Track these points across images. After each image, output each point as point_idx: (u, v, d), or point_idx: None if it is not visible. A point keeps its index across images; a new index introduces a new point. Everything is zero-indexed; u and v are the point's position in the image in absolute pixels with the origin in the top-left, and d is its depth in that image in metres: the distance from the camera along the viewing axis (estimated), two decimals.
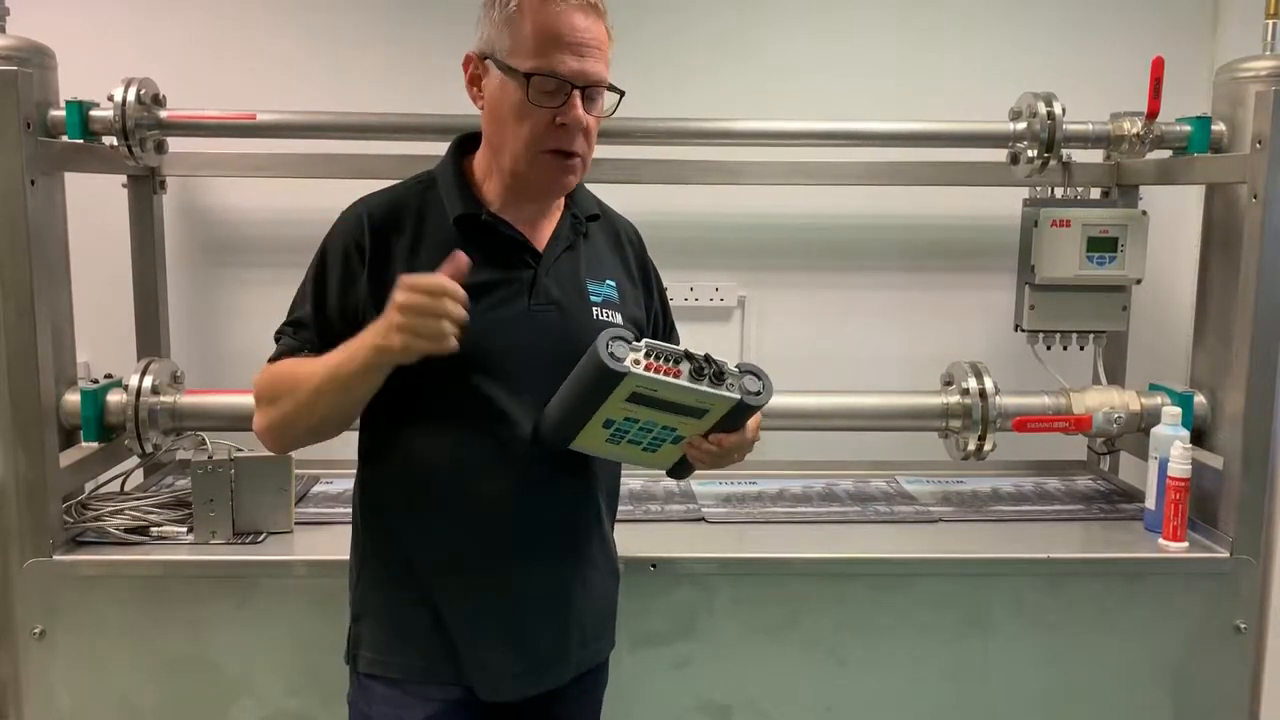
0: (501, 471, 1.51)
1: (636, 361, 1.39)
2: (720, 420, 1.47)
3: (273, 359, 1.54)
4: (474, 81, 1.55)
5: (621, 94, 1.54)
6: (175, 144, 2.37)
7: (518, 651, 1.55)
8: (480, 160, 1.59)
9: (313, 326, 1.54)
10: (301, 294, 1.57)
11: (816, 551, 2.09)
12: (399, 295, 1.37)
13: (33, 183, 1.93)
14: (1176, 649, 2.08)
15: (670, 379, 1.40)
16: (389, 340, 1.38)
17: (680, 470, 1.59)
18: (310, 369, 1.47)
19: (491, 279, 1.51)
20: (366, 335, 1.42)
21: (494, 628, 1.54)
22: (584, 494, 1.60)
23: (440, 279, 1.37)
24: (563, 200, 1.64)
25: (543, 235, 1.58)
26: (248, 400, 2.16)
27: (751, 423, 1.52)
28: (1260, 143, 2.00)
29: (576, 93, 1.48)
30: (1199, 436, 2.23)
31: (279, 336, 1.57)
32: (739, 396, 1.42)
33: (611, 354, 1.37)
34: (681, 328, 1.82)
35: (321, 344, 1.51)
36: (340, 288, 1.52)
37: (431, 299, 1.36)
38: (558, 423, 1.47)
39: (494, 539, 1.53)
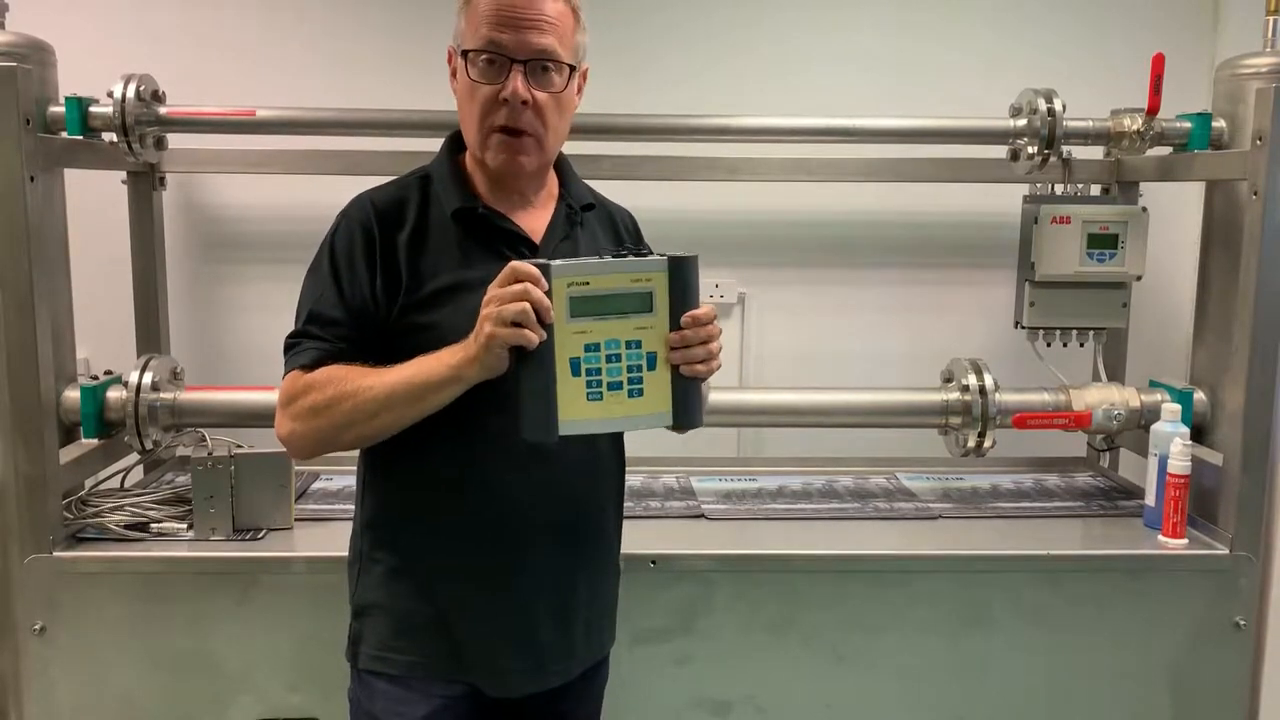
0: (505, 468, 1.50)
1: (557, 264, 1.39)
2: (671, 303, 1.43)
3: (307, 366, 1.49)
4: (454, 75, 1.57)
5: (573, 68, 1.53)
6: (175, 140, 2.37)
7: (523, 649, 1.55)
8: (469, 154, 1.60)
9: (344, 321, 1.50)
10: (314, 292, 1.53)
11: (816, 548, 2.09)
12: (485, 298, 1.38)
13: (32, 179, 1.93)
14: (1176, 646, 2.08)
15: (594, 260, 1.41)
16: (477, 336, 1.37)
17: (684, 408, 1.45)
18: (370, 380, 1.44)
19: (489, 273, 1.50)
20: (447, 349, 1.41)
21: (499, 625, 1.54)
22: (589, 490, 1.60)
23: (517, 264, 1.37)
24: (556, 191, 1.64)
25: (539, 227, 1.59)
26: (248, 397, 2.22)
27: (706, 312, 1.44)
28: (1260, 139, 1.99)
29: (516, 67, 1.48)
30: (1199, 433, 2.23)
31: (298, 340, 1.52)
32: (666, 256, 1.43)
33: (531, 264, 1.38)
34: None
35: (356, 336, 1.49)
36: (362, 275, 1.50)
37: (510, 284, 1.36)
38: (530, 399, 1.40)
39: (498, 537, 1.53)
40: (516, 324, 1.34)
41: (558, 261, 1.39)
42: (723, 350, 1.48)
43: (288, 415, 1.50)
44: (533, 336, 1.35)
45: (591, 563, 1.62)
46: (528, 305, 1.34)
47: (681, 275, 1.43)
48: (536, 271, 1.36)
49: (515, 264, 1.37)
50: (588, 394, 1.42)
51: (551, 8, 1.50)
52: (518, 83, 1.48)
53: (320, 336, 1.50)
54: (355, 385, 1.44)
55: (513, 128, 1.50)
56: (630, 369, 1.43)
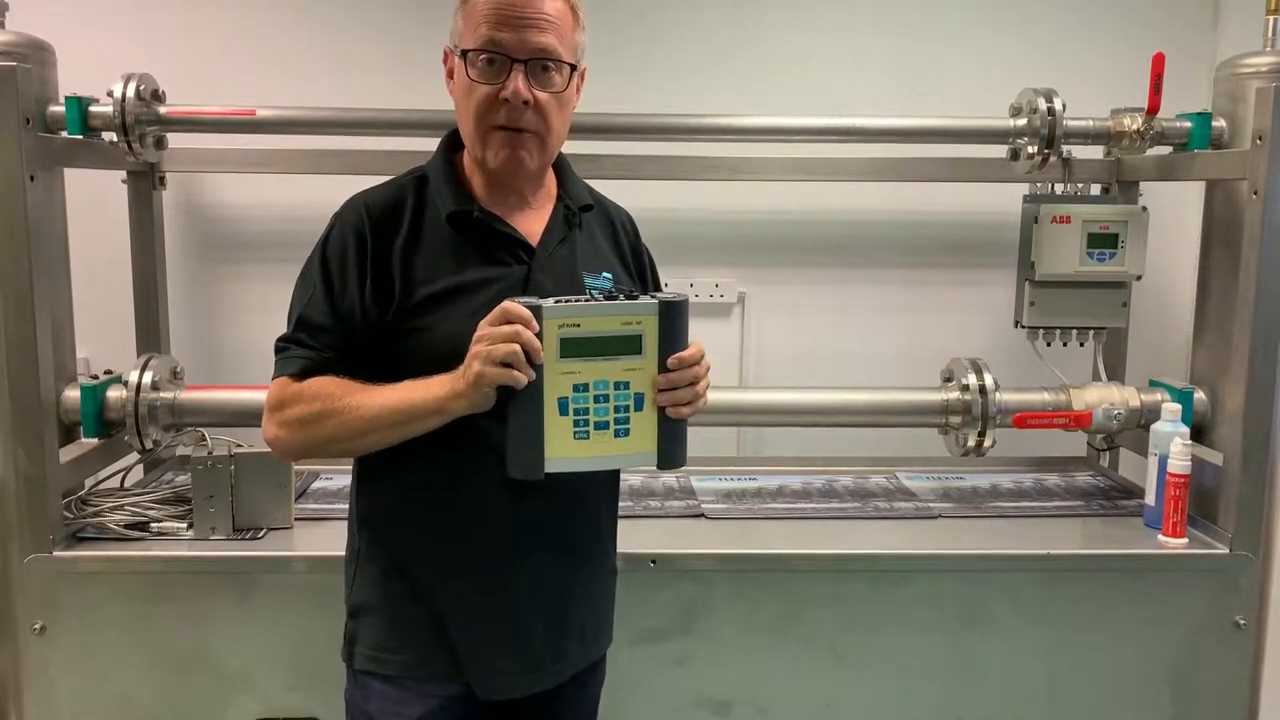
0: (498, 473, 1.48)
1: (549, 306, 1.40)
2: (660, 346, 1.43)
3: (295, 375, 1.49)
4: (450, 75, 1.56)
5: (573, 67, 1.52)
6: (175, 140, 2.37)
7: (516, 651, 1.55)
8: (466, 155, 1.60)
9: (332, 329, 1.50)
10: (304, 297, 1.53)
11: (816, 548, 2.09)
12: (476, 335, 1.38)
13: (32, 178, 1.93)
14: (1176, 645, 2.08)
15: (585, 302, 1.41)
16: (466, 373, 1.37)
17: (669, 448, 1.46)
18: (356, 400, 1.44)
19: (485, 276, 1.51)
20: (437, 378, 1.41)
21: (492, 628, 1.54)
22: (582, 493, 1.59)
23: (508, 305, 1.37)
24: (555, 191, 1.63)
25: (536, 229, 1.58)
26: (248, 396, 2.22)
27: (692, 354, 1.44)
28: (1261, 139, 1.99)
29: (517, 66, 1.47)
30: (1199, 433, 2.23)
31: (287, 346, 1.52)
32: (657, 299, 1.43)
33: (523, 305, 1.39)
34: None
35: (344, 344, 1.49)
36: (353, 282, 1.50)
37: (501, 324, 1.36)
38: (517, 437, 1.41)
39: (492, 541, 1.53)
40: (506, 364, 1.35)
41: (549, 303, 1.39)
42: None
43: (274, 421, 1.50)
44: (521, 378, 1.36)
45: (586, 564, 1.62)
46: (517, 347, 1.35)
47: (671, 318, 1.43)
48: (528, 313, 1.37)
49: (507, 304, 1.38)
50: (575, 433, 1.43)
51: (551, 6, 1.49)
52: (518, 83, 1.47)
53: (309, 345, 1.50)
54: (342, 403, 1.45)
55: (515, 127, 1.50)
56: (618, 409, 1.44)
